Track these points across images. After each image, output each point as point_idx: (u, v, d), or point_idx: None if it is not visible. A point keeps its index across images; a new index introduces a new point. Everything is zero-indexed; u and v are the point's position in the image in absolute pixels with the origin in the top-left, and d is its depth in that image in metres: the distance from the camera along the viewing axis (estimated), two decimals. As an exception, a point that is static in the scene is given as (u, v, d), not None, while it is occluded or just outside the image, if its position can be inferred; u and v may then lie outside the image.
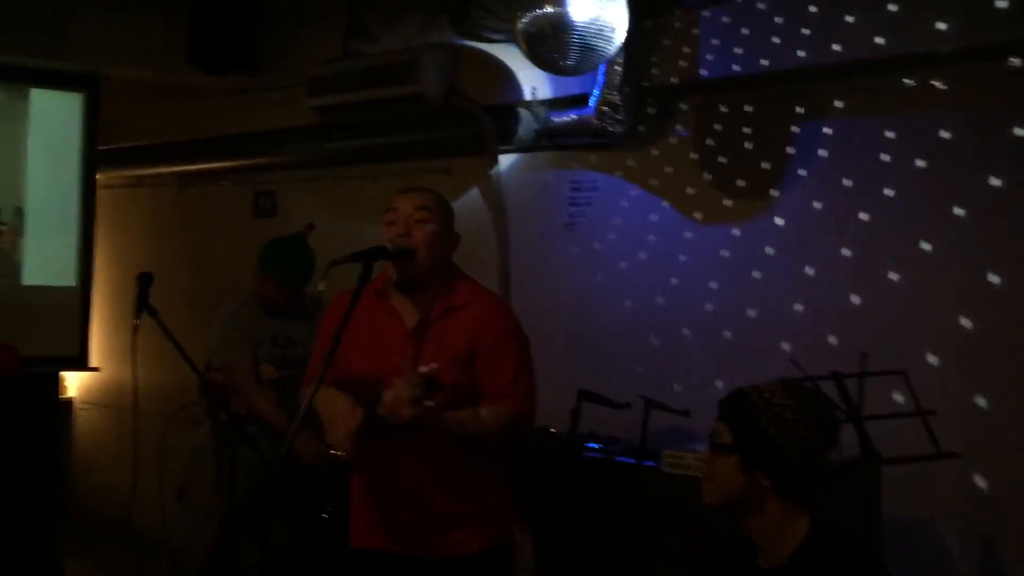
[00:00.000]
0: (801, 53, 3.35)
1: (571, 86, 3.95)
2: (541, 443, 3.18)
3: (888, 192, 3.19)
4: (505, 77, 4.23)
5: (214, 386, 3.57)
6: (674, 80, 3.68)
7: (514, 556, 2.56)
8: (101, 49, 4.85)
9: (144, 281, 3.00)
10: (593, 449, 3.08)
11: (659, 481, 2.81)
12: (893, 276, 3.15)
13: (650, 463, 2.87)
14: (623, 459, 2.95)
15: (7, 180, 4.92)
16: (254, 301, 3.86)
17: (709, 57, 3.59)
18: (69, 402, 6.93)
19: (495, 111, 4.18)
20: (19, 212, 4.98)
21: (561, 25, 2.71)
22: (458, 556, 2.42)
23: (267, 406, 3.67)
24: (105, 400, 6.64)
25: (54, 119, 5.03)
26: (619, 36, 2.83)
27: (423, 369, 2.13)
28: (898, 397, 2.83)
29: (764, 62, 3.44)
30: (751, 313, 3.43)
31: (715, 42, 3.55)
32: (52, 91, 5.04)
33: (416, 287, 2.43)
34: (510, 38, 4.11)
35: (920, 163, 3.12)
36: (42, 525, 5.05)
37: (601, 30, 2.73)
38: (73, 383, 6.96)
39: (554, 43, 2.75)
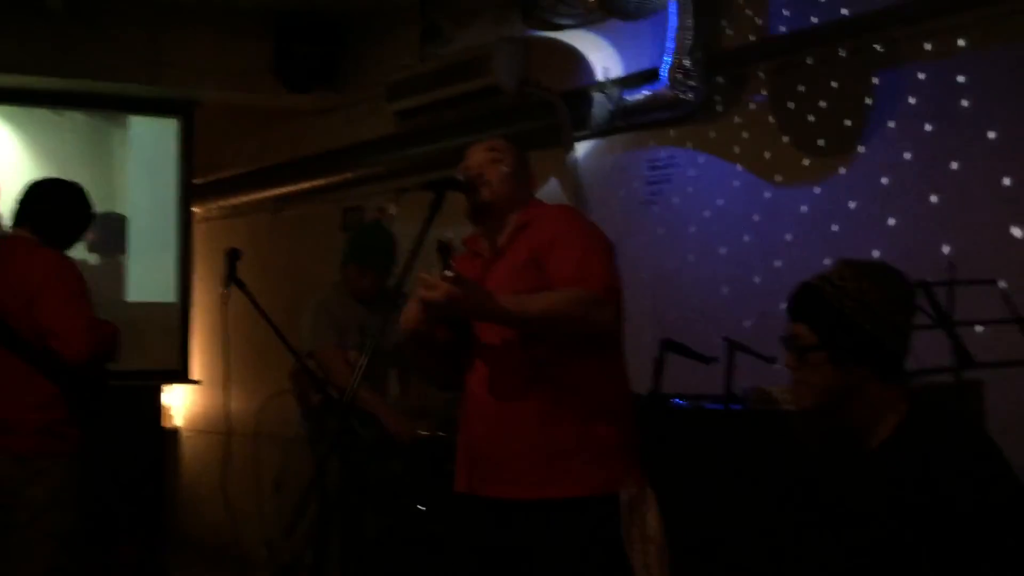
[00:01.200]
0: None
1: (642, 61, 3.97)
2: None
3: (982, 134, 3.08)
4: (577, 62, 4.27)
5: (306, 373, 3.63)
6: (750, 38, 3.65)
7: (619, 514, 2.23)
8: (192, 73, 5.10)
9: (232, 255, 3.10)
10: (679, 403, 3.02)
11: (748, 421, 2.73)
12: (983, 220, 3.03)
13: (737, 406, 2.80)
14: (711, 406, 2.89)
15: (109, 205, 5.17)
16: (343, 291, 3.93)
17: (783, 12, 3.55)
18: (175, 431, 7.16)
19: (569, 97, 4.22)
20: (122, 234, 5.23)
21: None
22: (538, 499, 2.21)
23: (360, 390, 3.69)
24: (208, 427, 6.82)
25: (152, 144, 5.30)
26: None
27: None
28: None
29: (842, 11, 3.38)
30: (833, 253, 3.34)
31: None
32: (149, 117, 5.31)
33: (490, 220, 2.41)
34: (580, 22, 4.19)
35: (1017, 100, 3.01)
36: (149, 533, 5.19)
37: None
38: (179, 412, 7.20)
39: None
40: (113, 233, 5.11)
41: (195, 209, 5.88)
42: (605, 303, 2.20)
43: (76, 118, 5.23)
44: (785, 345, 1.88)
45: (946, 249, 3.12)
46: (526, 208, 2.45)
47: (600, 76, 4.17)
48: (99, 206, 4.00)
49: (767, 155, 3.68)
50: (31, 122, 5.15)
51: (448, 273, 2.04)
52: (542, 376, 2.23)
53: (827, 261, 3.34)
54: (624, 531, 2.20)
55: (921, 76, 3.23)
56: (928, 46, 3.20)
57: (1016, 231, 2.93)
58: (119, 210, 5.24)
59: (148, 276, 5.24)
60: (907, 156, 3.24)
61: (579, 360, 2.24)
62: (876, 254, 3.23)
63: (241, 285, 3.08)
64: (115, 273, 5.20)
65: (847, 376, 1.81)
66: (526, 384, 2.24)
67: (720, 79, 3.78)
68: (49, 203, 3.09)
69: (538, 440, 2.23)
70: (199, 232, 5.80)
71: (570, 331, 2.22)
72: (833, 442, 1.93)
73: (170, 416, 7.15)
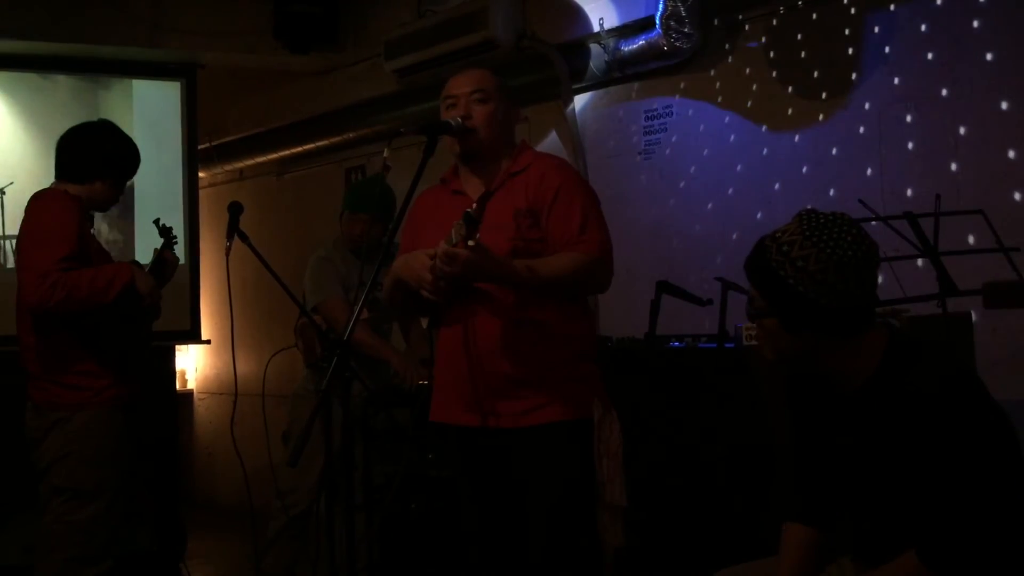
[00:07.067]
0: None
1: (638, 10, 3.98)
2: (623, 346, 3.19)
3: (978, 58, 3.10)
4: (573, 13, 4.28)
5: (312, 326, 3.68)
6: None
7: (593, 434, 2.44)
8: (193, 35, 5.12)
9: (234, 209, 3.13)
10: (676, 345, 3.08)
11: (742, 358, 2.79)
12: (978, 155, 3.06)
13: (731, 344, 2.85)
14: (704, 345, 2.94)
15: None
16: (343, 246, 3.98)
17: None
18: (190, 394, 7.27)
19: (566, 49, 4.23)
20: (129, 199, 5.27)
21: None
22: (528, 427, 2.36)
23: (366, 336, 3.76)
24: (220, 388, 6.94)
25: (156, 108, 5.33)
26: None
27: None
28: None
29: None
30: (831, 193, 3.38)
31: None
32: (152, 81, 5.34)
33: (480, 161, 2.48)
34: (575, -26, 4.20)
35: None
36: (164, 493, 5.27)
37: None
38: (191, 375, 7.31)
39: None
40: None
41: (200, 174, 5.93)
42: (603, 264, 2.39)
43: (75, 84, 5.26)
44: (748, 303, 1.89)
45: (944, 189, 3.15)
46: (518, 152, 2.51)
47: (596, 27, 4.18)
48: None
49: (763, 100, 3.70)
50: (24, 88, 5.17)
51: (471, 243, 2.13)
52: (526, 318, 2.36)
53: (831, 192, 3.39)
54: (594, 448, 2.39)
55: (908, 17, 3.25)
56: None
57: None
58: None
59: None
60: (902, 96, 3.26)
61: (557, 304, 2.39)
62: (874, 194, 3.26)
63: (244, 237, 3.12)
64: (127, 240, 5.26)
65: (798, 340, 1.81)
66: (510, 328, 2.36)
67: (715, 25, 3.79)
68: (61, 142, 3.10)
69: (526, 374, 2.37)
70: (205, 197, 5.84)
71: (574, 291, 2.39)
72: (812, 384, 1.92)
73: (184, 380, 7.28)
